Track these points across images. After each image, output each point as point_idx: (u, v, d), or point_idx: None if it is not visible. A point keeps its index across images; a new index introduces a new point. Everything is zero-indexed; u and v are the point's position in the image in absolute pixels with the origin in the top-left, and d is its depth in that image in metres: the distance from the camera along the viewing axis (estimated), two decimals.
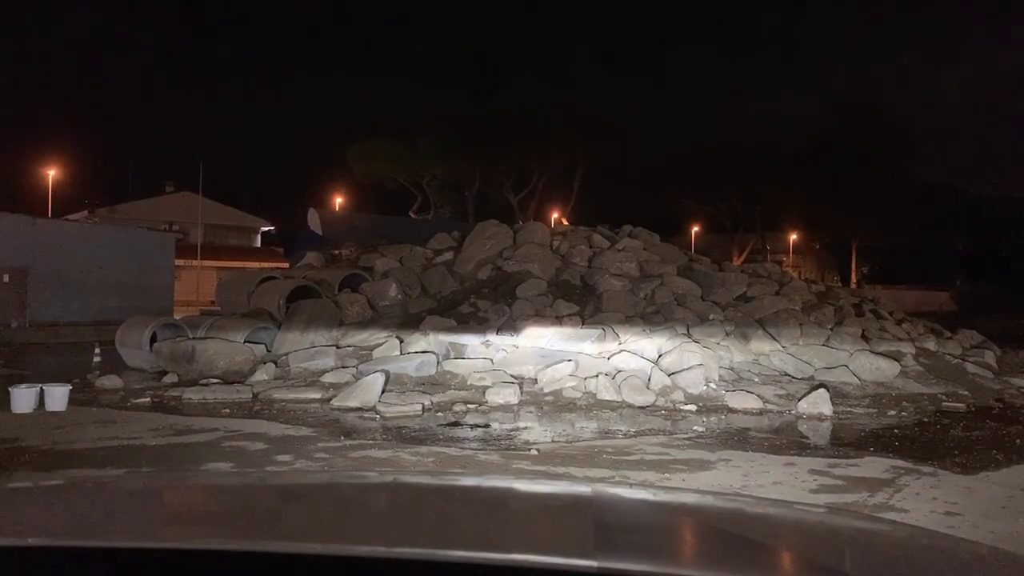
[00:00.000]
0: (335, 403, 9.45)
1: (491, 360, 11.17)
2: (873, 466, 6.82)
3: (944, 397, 10.73)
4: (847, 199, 42.05)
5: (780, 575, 1.28)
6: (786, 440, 8.11)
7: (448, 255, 15.67)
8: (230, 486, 1.93)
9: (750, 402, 9.71)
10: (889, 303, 16.97)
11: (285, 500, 1.66)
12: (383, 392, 9.56)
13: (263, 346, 12.17)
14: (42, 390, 9.02)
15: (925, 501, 5.69)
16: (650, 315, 12.66)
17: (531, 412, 9.41)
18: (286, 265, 25.67)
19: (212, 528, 1.38)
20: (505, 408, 9.45)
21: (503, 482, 2.46)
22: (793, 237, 52.34)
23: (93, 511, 1.51)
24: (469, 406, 9.46)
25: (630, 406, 9.62)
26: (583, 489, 2.00)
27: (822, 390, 9.76)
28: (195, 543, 1.20)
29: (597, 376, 10.18)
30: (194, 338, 12.10)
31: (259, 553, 1.14)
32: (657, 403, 9.73)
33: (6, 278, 19.50)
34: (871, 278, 51.43)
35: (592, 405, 9.72)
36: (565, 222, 33.22)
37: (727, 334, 11.99)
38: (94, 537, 1.26)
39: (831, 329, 12.39)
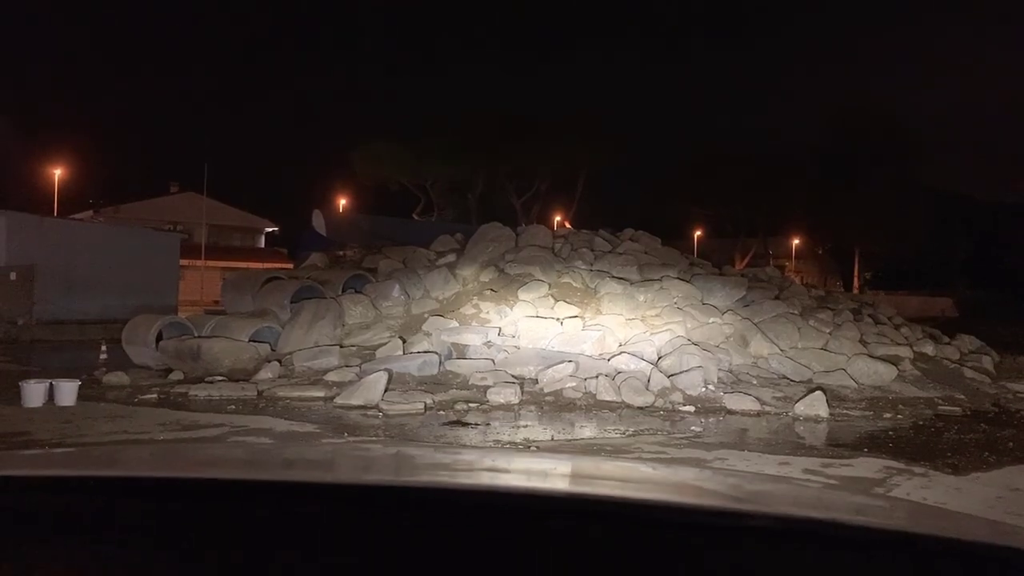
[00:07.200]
0: (339, 401, 9.59)
1: (492, 360, 11.30)
2: (866, 466, 6.94)
3: (940, 401, 10.82)
4: (850, 205, 42.13)
5: None
6: (782, 441, 8.24)
7: (451, 257, 15.79)
8: (239, 454, 2.07)
9: (748, 404, 9.83)
10: (888, 308, 17.06)
11: (294, 457, 1.82)
12: (386, 391, 9.69)
13: (267, 345, 12.32)
14: (52, 385, 9.17)
15: (914, 500, 5.81)
16: (650, 318, 12.78)
17: (531, 411, 9.54)
18: (290, 266, 25.85)
19: (227, 469, 1.46)
20: (506, 407, 9.57)
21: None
22: (796, 242, 52.41)
23: (108, 461, 1.63)
24: (470, 405, 9.59)
25: (629, 407, 9.75)
26: None
27: (819, 393, 9.86)
28: (210, 474, 1.27)
29: (597, 377, 10.31)
30: (200, 336, 12.26)
31: (271, 482, 1.21)
32: (656, 404, 9.85)
33: (13, 276, 19.66)
34: (874, 283, 51.38)
35: (592, 405, 9.84)
36: (567, 225, 33.37)
37: (726, 337, 12.10)
38: (112, 468, 1.33)
39: (830, 333, 12.50)
